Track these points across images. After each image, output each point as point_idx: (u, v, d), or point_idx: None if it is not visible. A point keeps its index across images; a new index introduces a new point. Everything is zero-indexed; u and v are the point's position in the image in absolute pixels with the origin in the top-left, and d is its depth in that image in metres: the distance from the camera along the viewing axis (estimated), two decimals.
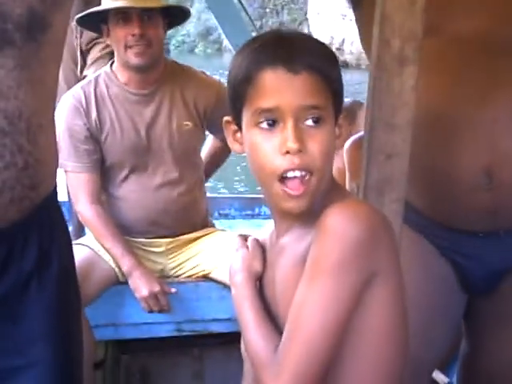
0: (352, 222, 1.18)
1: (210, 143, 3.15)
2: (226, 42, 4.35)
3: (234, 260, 1.44)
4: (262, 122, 1.22)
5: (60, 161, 2.65)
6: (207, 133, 2.97)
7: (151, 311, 2.64)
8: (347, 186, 3.20)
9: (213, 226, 3.04)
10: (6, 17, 1.39)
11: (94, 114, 2.69)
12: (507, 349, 1.90)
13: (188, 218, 2.86)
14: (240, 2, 3.95)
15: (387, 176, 1.48)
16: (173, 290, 2.67)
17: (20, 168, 1.49)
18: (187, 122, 2.76)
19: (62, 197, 3.69)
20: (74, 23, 3.55)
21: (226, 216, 4.11)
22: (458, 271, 1.88)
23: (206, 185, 3.10)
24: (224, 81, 1.48)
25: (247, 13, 4.11)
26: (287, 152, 1.19)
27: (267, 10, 30.02)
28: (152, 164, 2.75)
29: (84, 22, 2.77)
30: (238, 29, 3.90)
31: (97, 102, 2.70)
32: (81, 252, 2.68)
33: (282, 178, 1.20)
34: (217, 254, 2.80)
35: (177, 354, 2.99)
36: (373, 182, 1.48)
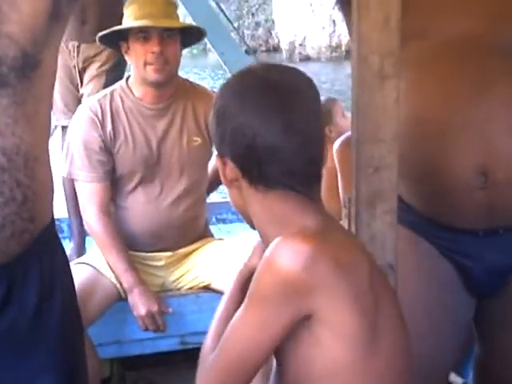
0: (290, 260, 1.21)
1: (214, 160, 3.18)
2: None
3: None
4: None
5: (72, 170, 2.76)
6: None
7: (146, 330, 2.67)
8: (341, 193, 3.22)
9: (211, 235, 3.06)
10: (1, 60, 1.42)
11: (109, 127, 2.74)
12: None
13: (189, 232, 2.90)
14: (218, 5, 3.97)
15: (377, 188, 1.49)
16: (170, 310, 2.70)
17: (19, 203, 1.51)
18: (197, 138, 2.82)
19: (62, 213, 3.71)
20: (71, 43, 3.62)
21: (224, 221, 4.11)
22: (461, 272, 1.87)
23: None
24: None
25: (226, 15, 4.11)
26: None
27: (244, 12, 30.57)
28: (160, 177, 2.80)
29: (103, 39, 2.84)
30: (217, 31, 3.91)
31: (112, 115, 2.76)
32: (83, 271, 2.69)
33: None
34: (215, 265, 2.82)
35: (182, 367, 2.97)
36: (363, 195, 1.49)
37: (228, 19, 3.89)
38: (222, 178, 1.40)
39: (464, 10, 1.70)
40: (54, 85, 1.64)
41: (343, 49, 23.65)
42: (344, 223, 1.58)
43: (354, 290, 1.25)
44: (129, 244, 2.79)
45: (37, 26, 1.49)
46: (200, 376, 1.33)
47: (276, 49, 28.73)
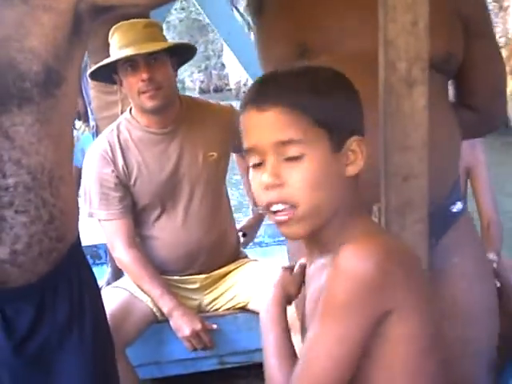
0: (362, 263, 1.18)
1: (238, 163, 3.23)
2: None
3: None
4: (250, 161, 1.28)
5: (92, 211, 2.73)
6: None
7: (195, 350, 2.64)
8: None
9: (245, 256, 3.04)
10: (24, 75, 1.44)
11: (120, 162, 2.71)
12: None
13: (220, 251, 2.87)
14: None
15: (406, 198, 1.46)
16: (214, 326, 2.67)
17: (46, 221, 1.53)
18: (212, 153, 2.78)
19: (99, 239, 3.73)
20: None
21: (260, 244, 4.10)
22: None
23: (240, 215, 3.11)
24: None
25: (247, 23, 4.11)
26: (267, 187, 1.23)
27: (211, 53, 31.57)
28: (182, 200, 2.77)
29: (96, 76, 2.79)
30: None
31: (121, 148, 2.73)
32: (119, 295, 2.70)
33: (272, 210, 1.25)
34: (251, 285, 2.81)
35: None
36: (392, 205, 1.47)
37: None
38: None
39: (356, 30, 1.68)
40: (76, 106, 1.66)
41: None
42: None
43: (420, 286, 1.25)
44: (161, 270, 2.79)
45: (58, 40, 1.50)
46: None
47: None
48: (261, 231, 3.97)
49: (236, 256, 2.96)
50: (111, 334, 1.79)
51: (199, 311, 2.84)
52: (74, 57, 1.55)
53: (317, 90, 1.25)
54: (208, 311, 2.88)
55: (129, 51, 2.58)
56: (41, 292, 1.58)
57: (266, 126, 1.24)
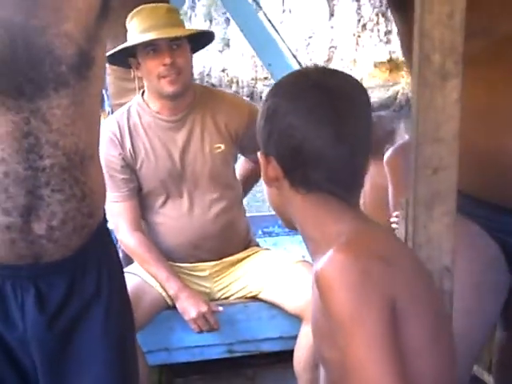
0: (339, 272, 1.22)
1: (241, 165, 3.18)
2: None
3: None
4: None
5: None
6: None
7: (201, 331, 2.66)
8: (390, 201, 3.19)
9: (256, 245, 3.04)
10: (60, 60, 1.47)
11: (128, 145, 2.73)
12: None
13: (228, 239, 2.87)
14: (266, 17, 3.96)
15: (435, 190, 1.47)
16: (220, 308, 2.70)
17: (79, 199, 1.59)
18: (219, 145, 2.78)
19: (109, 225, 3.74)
20: None
21: (270, 234, 4.10)
22: (506, 251, 1.91)
23: (253, 204, 3.10)
24: None
25: (274, 27, 4.09)
26: None
27: None
28: (187, 188, 2.78)
29: (111, 59, 2.76)
30: (265, 43, 3.92)
31: (130, 132, 2.74)
32: (129, 280, 2.69)
33: None
34: (263, 274, 2.81)
35: (230, 375, 2.99)
36: (421, 197, 1.47)
37: (276, 31, 3.87)
38: (263, 176, 1.40)
39: None
40: (103, 87, 1.69)
41: None
42: (400, 225, 1.57)
43: (416, 281, 1.29)
44: (169, 257, 2.80)
45: (90, 21, 1.54)
46: None
47: None
48: (271, 221, 3.98)
49: (246, 244, 2.96)
50: (133, 313, 1.82)
51: (210, 299, 2.84)
52: (101, 37, 1.58)
53: None
54: (218, 299, 2.88)
55: (152, 35, 2.59)
56: (73, 267, 1.63)
57: None
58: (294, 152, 1.31)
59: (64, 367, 1.64)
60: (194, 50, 2.79)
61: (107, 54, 2.69)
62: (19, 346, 1.62)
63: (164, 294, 2.71)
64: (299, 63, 3.87)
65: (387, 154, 3.19)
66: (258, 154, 1.39)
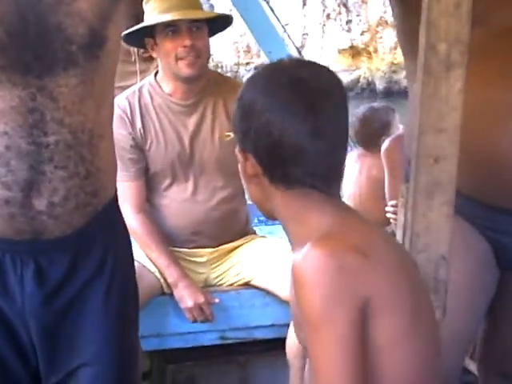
0: (313, 270, 1.22)
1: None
2: None
3: None
4: None
5: None
6: None
7: (195, 321, 2.68)
8: (387, 192, 3.21)
9: (254, 233, 3.05)
10: (71, 39, 1.46)
11: (138, 124, 2.72)
12: None
13: (229, 227, 2.87)
14: (268, 4, 3.96)
15: (436, 179, 1.48)
16: (216, 300, 2.71)
17: (82, 177, 1.58)
18: (229, 133, 2.75)
19: None
20: None
21: (266, 222, 4.10)
22: (495, 248, 1.92)
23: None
24: None
25: (275, 14, 4.09)
26: None
27: None
28: (193, 173, 2.77)
29: (126, 38, 2.74)
30: (265, 30, 3.90)
31: (141, 112, 2.73)
32: None
33: None
34: (257, 261, 2.82)
35: (222, 362, 3.00)
36: (422, 186, 1.49)
37: (277, 18, 3.87)
38: (242, 173, 1.42)
39: None
40: (117, 65, 1.67)
41: None
42: (400, 213, 1.58)
43: (395, 275, 1.28)
44: (169, 241, 2.80)
45: (104, 0, 1.52)
46: None
47: None
48: None
49: (245, 233, 2.96)
50: (138, 295, 1.82)
51: (206, 285, 2.85)
52: (116, 15, 1.57)
53: None
54: (215, 285, 2.89)
55: (173, 16, 2.57)
56: (75, 245, 1.63)
57: None
58: (272, 149, 1.31)
59: (61, 341, 1.64)
60: (210, 34, 2.75)
61: (123, 33, 2.72)
62: (18, 319, 1.62)
63: (162, 280, 2.72)
64: (299, 52, 3.86)
65: (384, 145, 3.21)
66: (236, 150, 1.39)
